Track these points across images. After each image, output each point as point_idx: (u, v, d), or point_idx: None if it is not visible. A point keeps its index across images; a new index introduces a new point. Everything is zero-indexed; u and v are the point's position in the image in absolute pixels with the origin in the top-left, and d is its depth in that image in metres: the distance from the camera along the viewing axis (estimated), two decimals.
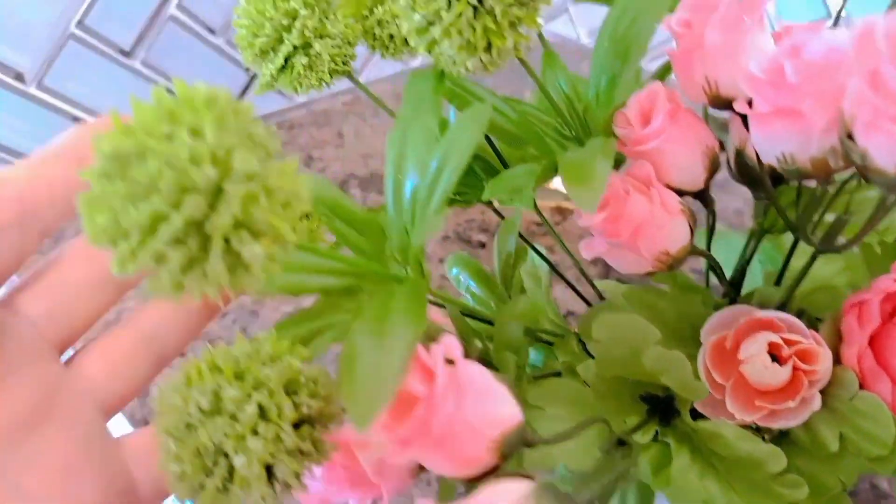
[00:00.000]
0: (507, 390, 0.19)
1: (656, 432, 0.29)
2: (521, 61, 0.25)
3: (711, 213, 0.29)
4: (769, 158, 0.23)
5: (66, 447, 0.23)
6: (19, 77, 0.68)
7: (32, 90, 0.69)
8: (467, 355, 0.19)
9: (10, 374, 0.23)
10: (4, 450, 0.22)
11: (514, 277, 0.31)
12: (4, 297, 0.24)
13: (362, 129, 0.70)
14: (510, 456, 0.19)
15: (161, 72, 0.77)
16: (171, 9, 0.74)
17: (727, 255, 0.34)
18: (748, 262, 0.32)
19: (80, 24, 0.69)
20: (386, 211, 0.24)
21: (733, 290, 0.32)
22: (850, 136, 0.20)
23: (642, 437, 0.28)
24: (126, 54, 0.73)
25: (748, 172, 0.27)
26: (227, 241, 0.15)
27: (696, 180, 0.26)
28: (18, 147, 0.73)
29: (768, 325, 0.28)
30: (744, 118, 0.24)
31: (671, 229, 0.25)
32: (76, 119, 0.74)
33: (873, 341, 0.27)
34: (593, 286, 0.34)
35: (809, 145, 0.21)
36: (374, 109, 0.69)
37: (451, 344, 0.18)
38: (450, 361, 0.18)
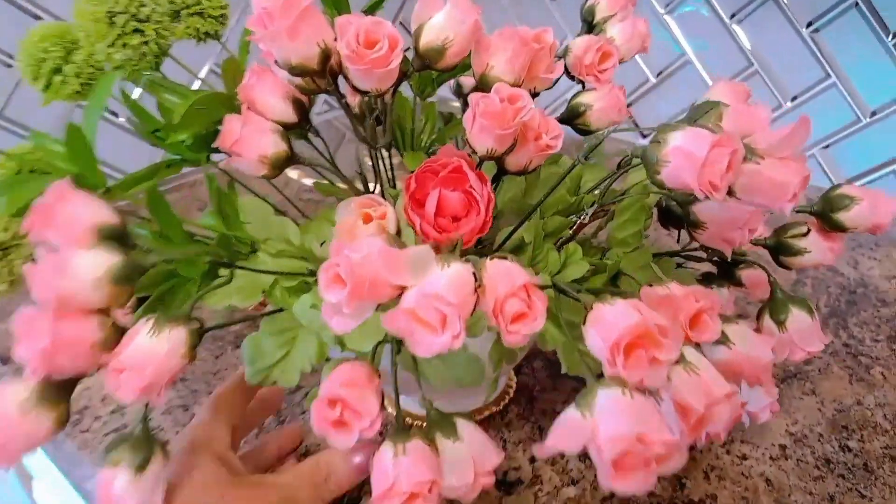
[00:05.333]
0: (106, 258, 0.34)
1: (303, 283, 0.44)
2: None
3: (319, 138, 0.45)
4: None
5: None
6: None
7: None
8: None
9: None
10: None
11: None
12: None
13: None
14: (123, 282, 0.34)
15: None
16: None
17: None
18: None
19: None
20: None
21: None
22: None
23: (288, 282, 0.43)
24: None
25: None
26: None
27: (288, 117, 0.43)
28: None
29: (368, 204, 0.44)
30: None
31: (264, 142, 0.42)
32: None
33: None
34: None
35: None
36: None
37: None
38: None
